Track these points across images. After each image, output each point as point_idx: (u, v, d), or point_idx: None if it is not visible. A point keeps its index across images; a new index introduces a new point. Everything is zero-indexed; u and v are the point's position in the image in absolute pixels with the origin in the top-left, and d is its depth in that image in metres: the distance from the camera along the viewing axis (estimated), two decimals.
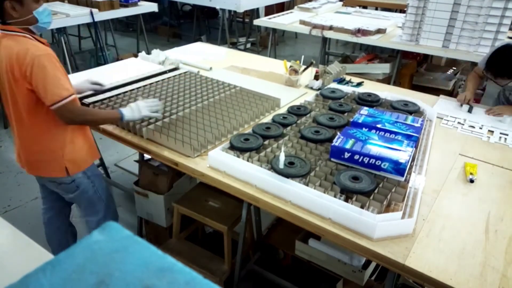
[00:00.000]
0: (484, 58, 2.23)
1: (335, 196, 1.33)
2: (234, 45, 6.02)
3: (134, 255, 0.40)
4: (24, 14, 1.49)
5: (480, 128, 1.97)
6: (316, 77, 2.42)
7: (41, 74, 1.46)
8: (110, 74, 2.47)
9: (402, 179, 1.43)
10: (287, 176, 1.41)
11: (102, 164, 2.94)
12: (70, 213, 2.11)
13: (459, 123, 2.02)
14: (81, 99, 2.09)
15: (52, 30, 5.54)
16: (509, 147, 1.82)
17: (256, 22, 4.46)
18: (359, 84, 2.49)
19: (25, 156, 1.73)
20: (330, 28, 3.75)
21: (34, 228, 2.20)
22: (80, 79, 2.40)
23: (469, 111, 2.14)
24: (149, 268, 0.38)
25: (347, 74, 2.67)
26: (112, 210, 2.03)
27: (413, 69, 3.96)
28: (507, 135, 1.91)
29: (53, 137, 1.66)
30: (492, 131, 1.95)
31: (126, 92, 2.14)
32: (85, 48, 5.96)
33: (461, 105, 2.20)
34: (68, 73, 3.80)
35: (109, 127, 1.89)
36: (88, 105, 1.97)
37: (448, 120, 2.04)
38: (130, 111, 1.70)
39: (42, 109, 1.57)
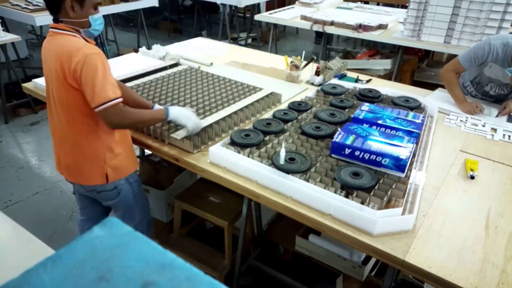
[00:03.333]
0: (467, 56, 2.13)
1: (335, 192, 1.33)
2: (235, 41, 6.00)
3: (135, 250, 0.40)
4: (80, 16, 1.48)
5: (483, 126, 1.96)
6: (317, 73, 2.41)
7: (91, 74, 1.41)
8: (111, 69, 2.46)
9: (403, 175, 1.43)
10: (287, 172, 1.41)
11: None
12: None
13: (461, 121, 2.01)
14: None
15: None
16: (510, 144, 1.81)
17: (257, 17, 4.44)
18: (367, 82, 2.49)
19: (65, 161, 1.64)
20: (332, 23, 3.74)
21: (35, 223, 2.21)
22: None
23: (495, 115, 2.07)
24: (149, 263, 0.38)
25: (348, 69, 2.67)
26: (147, 217, 1.93)
27: (414, 65, 3.95)
28: (510, 131, 1.90)
29: (96, 142, 1.57)
30: (495, 129, 1.93)
31: None
32: None
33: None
34: None
35: None
36: None
37: (450, 119, 2.02)
38: (177, 113, 1.62)
39: (87, 112, 1.50)
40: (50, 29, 1.50)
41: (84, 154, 1.58)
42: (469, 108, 2.08)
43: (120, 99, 1.46)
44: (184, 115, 1.63)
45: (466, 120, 2.01)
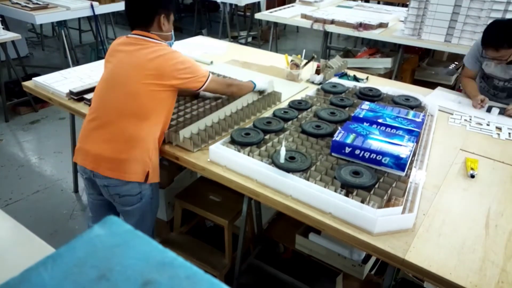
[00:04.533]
0: (468, 57, 2.19)
1: (335, 191, 1.33)
2: (235, 39, 6.00)
3: (135, 249, 0.40)
4: (167, 30, 1.69)
5: (488, 125, 1.95)
6: (317, 72, 2.41)
7: (184, 65, 1.61)
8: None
9: (403, 174, 1.43)
10: (287, 170, 1.41)
11: None
12: None
13: (465, 120, 2.00)
14: (81, 95, 2.09)
15: (52, 23, 5.53)
16: (510, 143, 1.81)
17: (257, 15, 4.44)
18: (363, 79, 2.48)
19: (111, 156, 1.59)
20: (332, 22, 3.74)
21: (35, 221, 2.21)
22: (81, 72, 2.40)
23: (488, 111, 2.08)
24: (149, 262, 0.38)
25: (349, 68, 2.66)
26: (154, 219, 1.91)
27: (415, 63, 3.95)
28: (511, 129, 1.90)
29: (149, 141, 1.61)
30: (500, 128, 1.93)
31: None
32: (86, 41, 5.95)
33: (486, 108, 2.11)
34: (68, 66, 3.80)
35: None
36: (89, 100, 1.97)
37: (455, 119, 2.01)
38: (262, 84, 2.00)
39: (156, 109, 1.61)
40: (139, 36, 1.62)
41: (136, 149, 1.58)
42: (474, 103, 2.12)
43: (211, 74, 1.74)
44: (267, 83, 2.06)
45: (470, 120, 2.00)
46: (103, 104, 1.63)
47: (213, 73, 1.93)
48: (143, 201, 1.70)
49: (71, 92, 2.10)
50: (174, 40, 1.81)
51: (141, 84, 1.56)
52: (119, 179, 1.59)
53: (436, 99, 2.15)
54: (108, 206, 1.80)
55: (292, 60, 2.44)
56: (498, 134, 1.87)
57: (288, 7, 4.58)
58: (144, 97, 1.58)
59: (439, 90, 2.34)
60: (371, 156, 1.44)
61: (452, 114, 2.06)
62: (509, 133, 1.87)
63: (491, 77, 2.23)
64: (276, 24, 4.51)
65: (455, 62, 4.01)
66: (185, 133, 1.68)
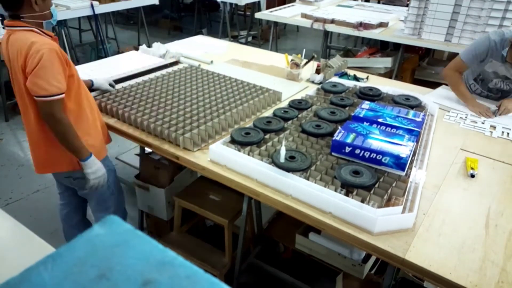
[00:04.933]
0: (469, 53, 2.11)
1: (335, 190, 1.33)
2: (235, 39, 5.99)
3: (135, 249, 0.40)
4: (43, 9, 1.54)
5: (483, 123, 1.96)
6: (318, 71, 2.41)
7: (42, 67, 1.46)
8: (111, 67, 2.46)
9: (403, 173, 1.43)
10: (287, 170, 1.41)
11: None
12: (87, 209, 2.10)
13: (461, 118, 2.01)
14: None
15: None
16: (510, 142, 1.81)
17: (257, 15, 4.44)
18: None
19: (39, 157, 1.71)
20: (332, 21, 3.73)
21: (35, 221, 2.21)
22: (81, 72, 2.40)
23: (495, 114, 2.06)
24: (150, 262, 0.38)
25: (349, 68, 2.66)
26: (122, 207, 2.03)
27: (415, 63, 3.94)
28: (509, 129, 1.91)
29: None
30: (495, 126, 1.94)
31: (127, 87, 2.14)
32: (86, 40, 5.94)
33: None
34: None
35: (111, 120, 1.89)
36: None
37: (450, 116, 2.03)
38: (93, 171, 1.67)
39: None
40: (7, 28, 1.53)
41: (51, 144, 1.64)
42: (481, 110, 2.06)
43: (63, 95, 1.53)
44: (101, 174, 1.71)
45: (466, 117, 2.01)
46: (21, 106, 1.66)
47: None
48: None
49: None
50: (56, 14, 1.64)
51: (21, 78, 1.52)
52: (56, 172, 1.69)
53: (435, 97, 2.14)
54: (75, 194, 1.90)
55: (292, 60, 2.44)
56: (491, 132, 1.88)
57: (288, 6, 4.58)
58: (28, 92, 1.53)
59: (442, 89, 2.34)
60: (371, 156, 1.44)
61: (448, 111, 2.07)
62: (502, 132, 1.88)
63: (486, 78, 2.21)
64: (276, 23, 4.51)
65: None
66: (185, 132, 1.68)
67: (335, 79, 2.34)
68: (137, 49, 2.92)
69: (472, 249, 1.19)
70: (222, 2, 5.44)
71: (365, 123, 1.67)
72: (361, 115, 1.72)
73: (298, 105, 1.95)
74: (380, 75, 3.31)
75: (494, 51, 2.04)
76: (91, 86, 1.98)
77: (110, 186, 1.86)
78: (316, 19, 3.80)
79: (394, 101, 2.02)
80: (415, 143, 1.56)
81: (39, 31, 1.54)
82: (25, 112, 1.63)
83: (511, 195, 1.45)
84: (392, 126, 1.65)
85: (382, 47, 4.20)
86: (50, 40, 1.54)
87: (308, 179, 1.38)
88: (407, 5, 4.37)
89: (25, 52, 1.47)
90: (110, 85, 2.08)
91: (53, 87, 1.48)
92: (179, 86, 2.15)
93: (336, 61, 2.55)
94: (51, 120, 1.54)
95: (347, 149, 1.48)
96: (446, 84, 2.32)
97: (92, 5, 4.15)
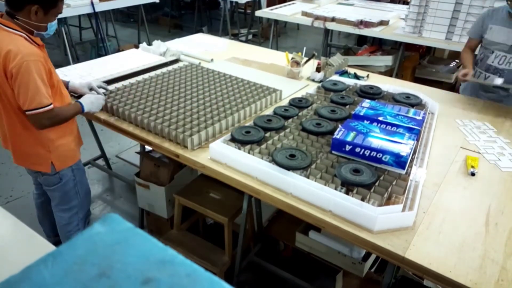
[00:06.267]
0: (471, 28, 2.30)
1: (335, 189, 1.33)
2: (235, 37, 5.99)
3: (135, 247, 0.40)
4: (41, 21, 1.56)
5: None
6: (318, 69, 2.41)
7: (25, 79, 1.48)
8: (111, 65, 2.46)
9: (403, 172, 1.43)
10: (288, 168, 1.41)
11: (103, 155, 2.94)
12: None
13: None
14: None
15: None
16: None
17: (257, 13, 4.43)
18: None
19: (13, 147, 1.75)
20: (333, 19, 3.73)
21: (36, 218, 2.21)
22: (81, 70, 2.40)
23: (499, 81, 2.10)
24: (150, 260, 0.38)
25: (349, 66, 2.66)
26: (85, 208, 2.03)
27: (415, 61, 3.94)
28: None
29: (41, 136, 1.68)
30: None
31: (127, 85, 2.13)
32: (86, 38, 5.94)
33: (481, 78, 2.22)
34: (69, 63, 3.78)
35: (111, 119, 1.89)
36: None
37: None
38: (90, 104, 1.77)
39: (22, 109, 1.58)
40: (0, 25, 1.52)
41: (30, 145, 1.69)
42: (458, 74, 2.22)
43: (52, 106, 1.57)
44: (97, 104, 1.82)
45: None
46: None
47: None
48: (63, 181, 1.82)
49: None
50: (54, 29, 1.70)
51: (2, 77, 1.52)
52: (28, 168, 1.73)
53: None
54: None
55: (292, 58, 2.43)
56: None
57: (289, 4, 4.57)
58: (8, 89, 1.55)
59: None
60: (372, 154, 1.44)
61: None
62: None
63: (486, 55, 2.22)
64: (276, 21, 4.50)
65: (456, 60, 4.00)
66: (185, 130, 1.68)
67: (336, 77, 2.34)
68: (137, 47, 2.91)
69: (472, 248, 1.19)
70: (222, 0, 5.43)
71: (365, 121, 1.67)
72: (361, 114, 1.72)
73: (299, 104, 1.95)
74: (380, 73, 3.30)
75: (492, 15, 2.16)
76: (66, 87, 1.90)
77: (76, 185, 1.88)
78: (317, 17, 3.80)
79: (395, 99, 2.02)
80: (416, 142, 1.56)
81: (27, 37, 1.55)
82: (5, 109, 1.63)
83: (511, 194, 1.45)
84: (392, 125, 1.65)
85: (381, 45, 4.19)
86: (37, 50, 1.55)
87: (308, 178, 1.38)
88: (391, 1, 4.38)
89: (11, 59, 1.47)
90: (100, 87, 1.99)
91: (45, 99, 1.54)
92: (179, 84, 2.15)
93: (337, 59, 2.55)
94: (44, 127, 1.62)
95: (348, 148, 1.48)
96: (443, 83, 2.35)
97: (92, 3, 4.14)
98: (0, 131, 1.77)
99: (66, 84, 1.92)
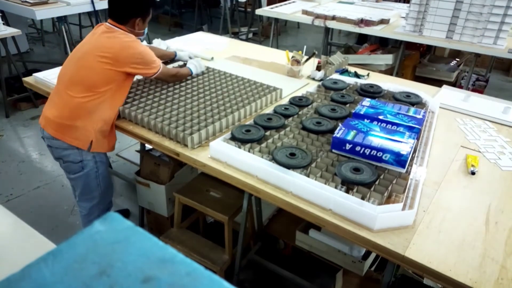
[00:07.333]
0: None
1: (336, 187, 1.33)
2: (235, 35, 5.98)
3: (135, 245, 0.40)
4: (140, 29, 1.89)
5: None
6: (318, 68, 2.41)
7: (143, 59, 1.80)
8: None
9: (403, 170, 1.43)
10: (288, 167, 1.41)
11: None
12: None
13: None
14: None
15: (52, 18, 5.51)
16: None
17: (258, 11, 4.42)
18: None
19: (60, 118, 1.79)
20: (333, 18, 3.72)
21: (36, 217, 2.22)
22: None
23: None
24: (150, 259, 0.38)
25: (350, 65, 2.66)
26: (107, 200, 2.08)
27: (416, 60, 3.94)
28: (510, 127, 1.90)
29: (94, 112, 1.77)
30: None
31: None
32: None
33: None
34: None
35: None
36: None
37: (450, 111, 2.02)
38: (195, 68, 2.20)
39: (107, 87, 1.76)
40: (112, 26, 1.82)
41: (80, 119, 1.77)
42: None
43: (162, 66, 1.93)
44: (199, 66, 2.25)
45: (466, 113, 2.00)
46: (62, 74, 1.85)
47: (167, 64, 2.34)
48: (85, 171, 1.88)
49: None
50: (146, 34, 2.02)
51: (96, 61, 1.73)
52: (61, 141, 1.80)
53: (440, 98, 2.13)
54: None
55: (293, 57, 2.43)
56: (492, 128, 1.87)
57: (289, 3, 4.56)
58: (97, 72, 1.74)
59: (445, 89, 2.32)
60: (372, 153, 1.44)
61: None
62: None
63: None
64: (277, 20, 4.49)
65: (457, 59, 4.00)
66: (185, 129, 1.68)
67: (336, 76, 2.34)
68: None
69: (472, 246, 1.19)
70: None
71: (365, 120, 1.67)
72: (361, 112, 1.72)
73: (299, 102, 1.95)
74: (381, 72, 3.30)
75: None
76: (174, 58, 2.45)
77: (98, 177, 1.93)
78: (317, 16, 3.79)
79: (395, 98, 2.01)
80: (416, 140, 1.56)
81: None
82: (75, 88, 1.76)
83: (511, 193, 1.45)
84: (392, 123, 1.65)
85: (381, 44, 4.18)
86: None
87: (308, 176, 1.38)
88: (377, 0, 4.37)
89: (133, 48, 1.78)
90: (191, 57, 2.46)
91: (158, 62, 1.90)
92: (179, 82, 2.14)
93: (337, 58, 2.54)
94: (169, 80, 2.07)
95: (348, 146, 1.48)
96: (443, 82, 2.32)
97: (92, 1, 4.14)
98: (49, 108, 1.85)
99: (174, 54, 2.43)
